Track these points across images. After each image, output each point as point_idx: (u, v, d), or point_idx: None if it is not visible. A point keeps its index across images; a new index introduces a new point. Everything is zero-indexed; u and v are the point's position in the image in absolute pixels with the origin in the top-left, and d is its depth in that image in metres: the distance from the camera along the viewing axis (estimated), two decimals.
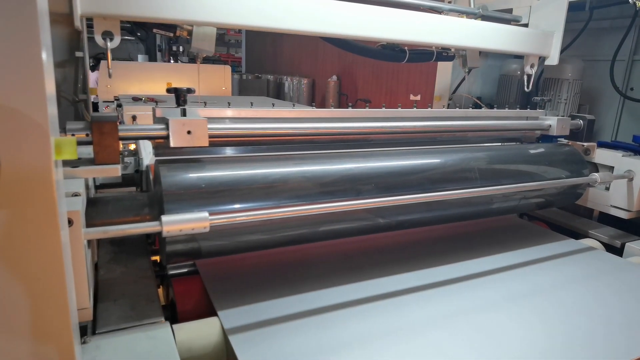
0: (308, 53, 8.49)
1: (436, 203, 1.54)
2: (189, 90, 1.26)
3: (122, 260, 1.46)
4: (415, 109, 1.68)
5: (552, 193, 1.91)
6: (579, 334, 1.25)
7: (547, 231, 2.04)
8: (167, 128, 1.18)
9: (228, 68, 5.67)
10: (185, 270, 1.49)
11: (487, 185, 1.59)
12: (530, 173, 1.79)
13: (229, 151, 1.46)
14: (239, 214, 1.13)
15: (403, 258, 1.63)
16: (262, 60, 10.77)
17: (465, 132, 1.81)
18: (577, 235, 2.04)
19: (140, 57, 7.23)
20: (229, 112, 1.37)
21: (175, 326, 1.16)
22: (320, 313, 1.27)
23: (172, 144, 1.18)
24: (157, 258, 1.55)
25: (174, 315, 1.34)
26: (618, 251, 1.87)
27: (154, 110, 1.29)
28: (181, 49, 7.94)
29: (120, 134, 1.12)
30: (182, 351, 1.11)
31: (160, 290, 1.52)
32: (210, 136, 1.23)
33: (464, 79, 2.75)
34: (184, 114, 1.24)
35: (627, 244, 1.86)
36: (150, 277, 1.37)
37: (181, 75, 5.38)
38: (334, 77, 7.37)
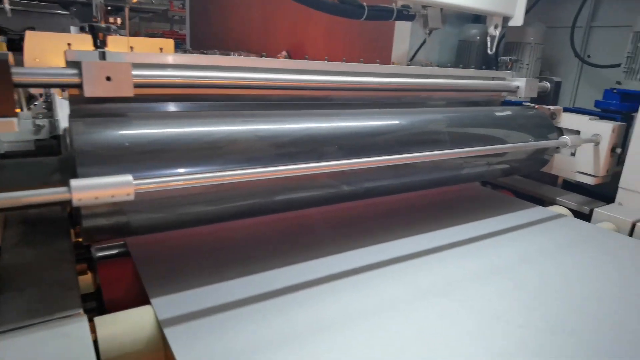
0: (257, 28, 8.14)
1: (399, 168, 1.40)
2: (108, 29, 1.02)
3: (36, 243, 1.21)
4: (377, 64, 1.50)
5: (519, 158, 1.80)
6: (554, 302, 1.15)
7: (513, 199, 1.95)
8: (80, 73, 0.94)
9: (170, 41, 5.28)
10: (115, 251, 1.26)
11: (455, 148, 1.45)
12: (497, 137, 1.67)
13: (163, 108, 1.23)
14: (173, 178, 0.91)
15: (363, 231, 1.47)
16: (209, 36, 10.29)
17: (431, 91, 1.65)
18: (543, 202, 1.95)
19: (72, 28, 6.70)
20: (161, 58, 1.13)
21: (97, 319, 0.95)
22: (271, 297, 1.08)
23: (86, 93, 0.94)
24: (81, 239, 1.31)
25: (101, 305, 1.11)
26: (586, 217, 1.80)
27: (65, 54, 1.04)
28: (119, 20, 7.42)
29: (16, 78, 0.87)
30: (107, 348, 0.90)
31: (89, 277, 1.29)
32: (136, 85, 1.00)
33: (423, 42, 2.60)
34: (103, 57, 1.00)
35: (595, 209, 1.79)
36: (69, 262, 1.13)
37: (117, 47, 4.96)
38: (284, 53, 7.08)
